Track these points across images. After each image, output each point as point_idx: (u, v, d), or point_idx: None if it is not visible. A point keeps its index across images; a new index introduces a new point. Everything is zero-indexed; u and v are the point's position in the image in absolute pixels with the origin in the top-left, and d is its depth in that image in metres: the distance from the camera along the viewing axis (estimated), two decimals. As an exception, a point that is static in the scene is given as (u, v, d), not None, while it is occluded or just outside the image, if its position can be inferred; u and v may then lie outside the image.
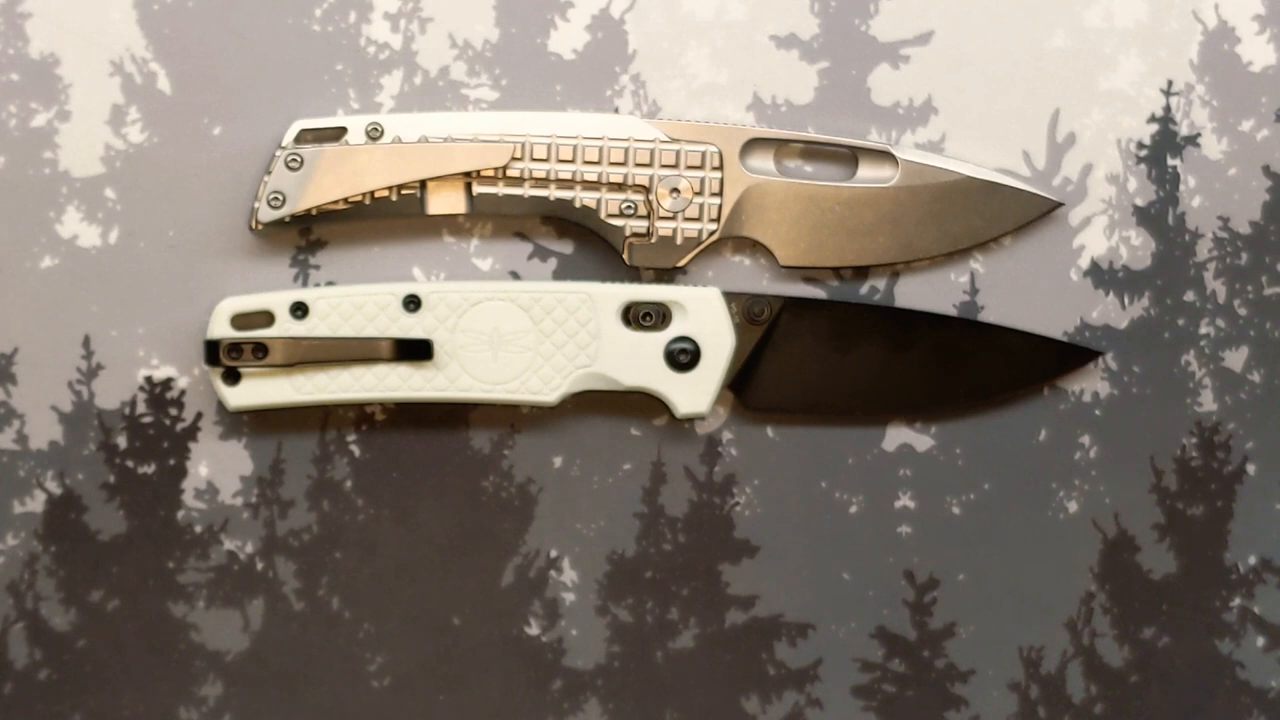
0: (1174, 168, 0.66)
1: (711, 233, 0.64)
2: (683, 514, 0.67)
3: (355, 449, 0.66)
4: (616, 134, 0.63)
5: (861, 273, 0.66)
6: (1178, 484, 0.67)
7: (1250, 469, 0.67)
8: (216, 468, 0.65)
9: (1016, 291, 0.66)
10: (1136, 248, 0.66)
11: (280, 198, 0.62)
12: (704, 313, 0.64)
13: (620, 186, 0.63)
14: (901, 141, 0.66)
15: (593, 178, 0.63)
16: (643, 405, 0.65)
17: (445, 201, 0.64)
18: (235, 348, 0.62)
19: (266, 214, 0.62)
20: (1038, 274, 0.66)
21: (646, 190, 0.63)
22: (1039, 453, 0.67)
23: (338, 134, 0.63)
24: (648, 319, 0.64)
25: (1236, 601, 0.68)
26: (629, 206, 0.64)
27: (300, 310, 0.63)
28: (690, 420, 0.66)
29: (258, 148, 0.64)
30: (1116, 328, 0.66)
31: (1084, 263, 0.66)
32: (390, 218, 0.64)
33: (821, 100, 0.66)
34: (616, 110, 0.65)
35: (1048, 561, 0.67)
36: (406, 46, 0.65)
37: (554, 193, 0.63)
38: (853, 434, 0.67)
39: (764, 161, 0.65)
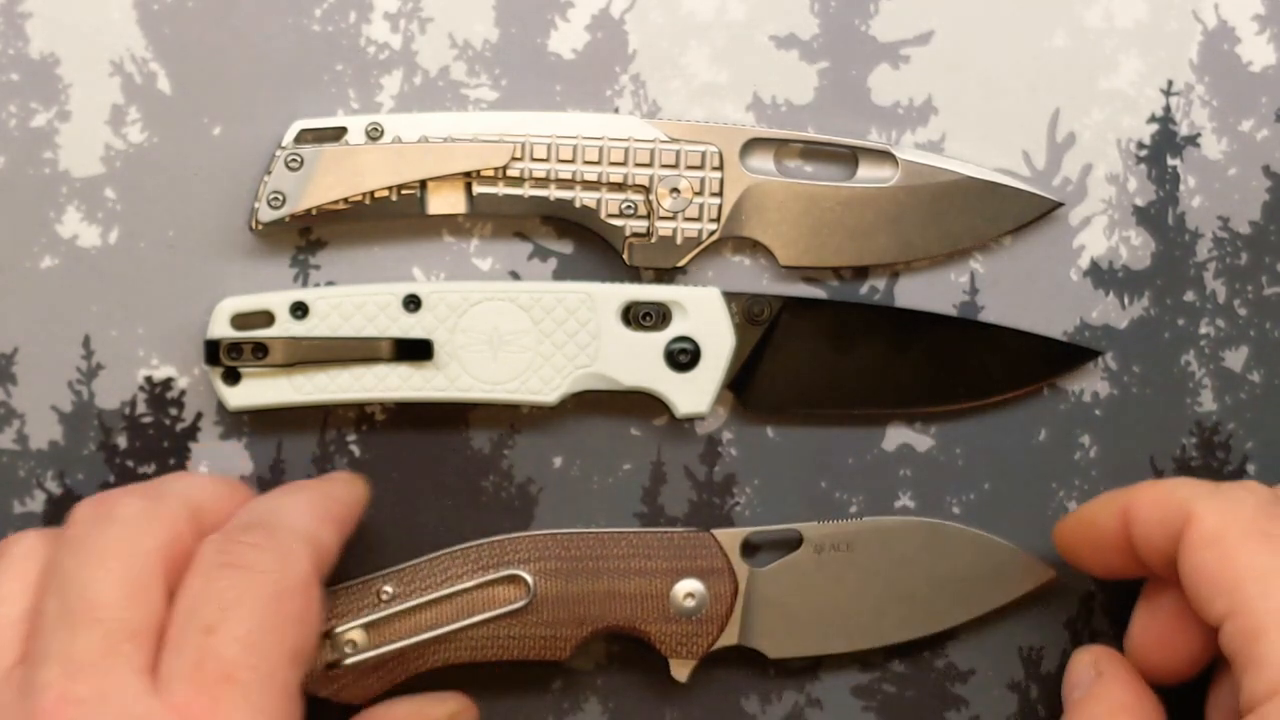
0: (1174, 168, 0.66)
1: (711, 233, 0.64)
2: (683, 514, 0.67)
3: (355, 449, 0.66)
4: (616, 134, 0.63)
5: (861, 273, 0.66)
6: (1178, 484, 0.67)
7: (1250, 469, 0.67)
8: (216, 468, 0.65)
9: (1016, 291, 0.66)
10: (1136, 248, 0.66)
11: (280, 198, 0.62)
12: (704, 313, 0.64)
13: (620, 186, 0.63)
14: (901, 141, 0.66)
15: (593, 178, 0.63)
16: (643, 405, 0.65)
17: (445, 201, 0.64)
18: (235, 348, 0.62)
19: (266, 214, 0.62)
20: (1038, 274, 0.66)
21: (646, 190, 0.63)
22: (1039, 453, 0.67)
23: (338, 134, 0.63)
24: (648, 319, 0.64)
25: (1236, 601, 0.68)
26: (629, 206, 0.64)
27: (300, 310, 0.63)
28: (690, 420, 0.66)
29: (258, 148, 0.64)
30: (1116, 328, 0.66)
31: (1084, 263, 0.66)
32: (390, 218, 0.64)
33: (821, 100, 0.66)
34: (616, 110, 0.65)
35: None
36: (406, 46, 0.65)
37: (554, 193, 0.63)
38: (853, 434, 0.67)
39: (764, 161, 0.65)
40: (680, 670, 0.64)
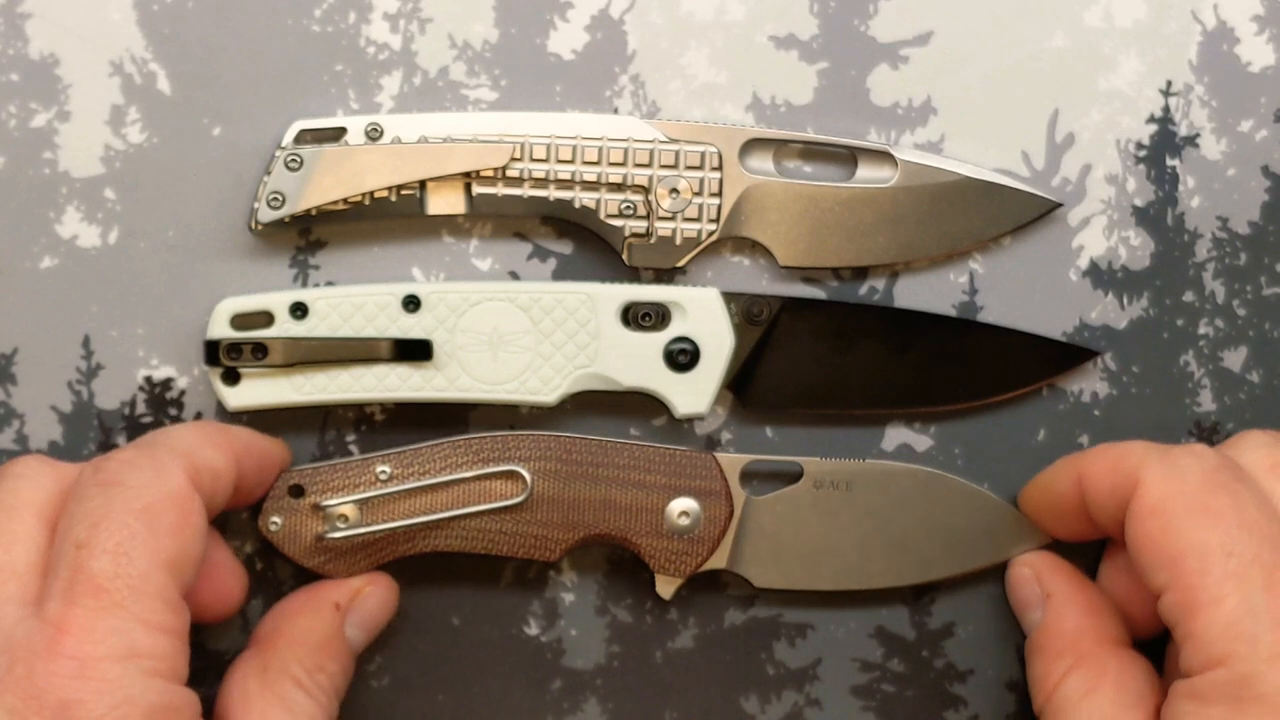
0: (1173, 168, 0.66)
1: (711, 233, 0.64)
2: (682, 514, 0.67)
3: (355, 449, 0.66)
4: (616, 134, 0.63)
5: (861, 273, 0.66)
6: (1177, 484, 0.67)
7: (1249, 469, 0.67)
8: (216, 468, 0.65)
9: (1016, 291, 0.66)
10: (1135, 248, 0.66)
11: (280, 198, 0.62)
12: (703, 313, 0.64)
13: (619, 187, 0.63)
14: (901, 142, 0.66)
15: (592, 178, 0.63)
16: (642, 405, 0.65)
17: (445, 202, 0.64)
18: (235, 348, 0.62)
19: (266, 214, 0.62)
20: (1037, 274, 0.66)
21: (646, 190, 0.64)
22: (1039, 453, 0.66)
23: (337, 134, 0.63)
24: (647, 319, 0.64)
25: (1235, 601, 0.68)
26: (628, 207, 0.64)
27: (300, 310, 0.63)
28: (689, 420, 0.66)
29: (258, 148, 0.64)
30: (1115, 328, 0.67)
31: (1083, 263, 0.66)
32: (390, 218, 0.64)
33: (821, 100, 0.66)
34: (616, 110, 0.65)
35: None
36: (406, 47, 0.65)
37: (553, 193, 0.63)
38: (852, 434, 0.67)
39: (763, 162, 0.65)
40: (665, 587, 0.64)
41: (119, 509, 0.53)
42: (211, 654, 0.66)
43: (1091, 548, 0.65)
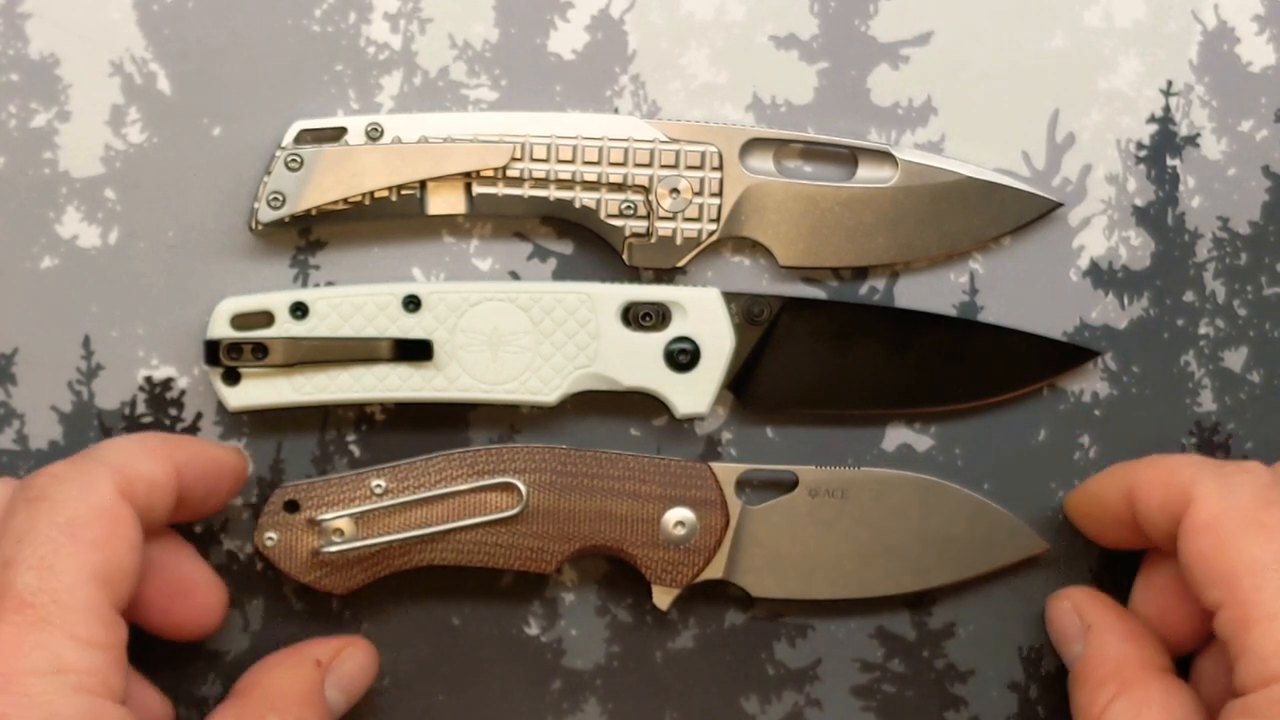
0: (1173, 168, 0.66)
1: (711, 233, 0.64)
2: (682, 514, 0.67)
3: (355, 449, 0.66)
4: (616, 134, 0.63)
5: (861, 273, 0.66)
6: (1177, 484, 0.67)
7: (1250, 469, 0.67)
8: (216, 468, 0.65)
9: (1016, 291, 0.66)
10: (1136, 248, 0.66)
11: (280, 198, 0.62)
12: (703, 313, 0.64)
13: (620, 187, 0.63)
14: (901, 142, 0.66)
15: (592, 178, 0.63)
16: (642, 405, 0.65)
17: (445, 202, 0.64)
18: (235, 348, 0.62)
19: (266, 214, 0.62)
20: (1037, 274, 0.66)
21: (646, 190, 0.64)
22: (1039, 453, 0.67)
23: (337, 134, 0.63)
24: (647, 319, 0.64)
25: (1236, 601, 0.68)
26: (628, 207, 0.64)
27: (300, 310, 0.63)
28: (690, 420, 0.66)
29: (258, 148, 0.64)
30: (1116, 328, 0.67)
31: (1083, 263, 0.66)
32: (390, 218, 0.64)
33: (821, 100, 0.66)
34: (616, 110, 0.65)
35: (1047, 561, 0.67)
36: (406, 47, 0.65)
37: (554, 193, 0.63)
38: (853, 434, 0.67)
39: (764, 162, 0.65)
40: (662, 598, 0.64)
41: (43, 523, 0.53)
42: (211, 654, 0.66)
43: (1088, 561, 0.65)
